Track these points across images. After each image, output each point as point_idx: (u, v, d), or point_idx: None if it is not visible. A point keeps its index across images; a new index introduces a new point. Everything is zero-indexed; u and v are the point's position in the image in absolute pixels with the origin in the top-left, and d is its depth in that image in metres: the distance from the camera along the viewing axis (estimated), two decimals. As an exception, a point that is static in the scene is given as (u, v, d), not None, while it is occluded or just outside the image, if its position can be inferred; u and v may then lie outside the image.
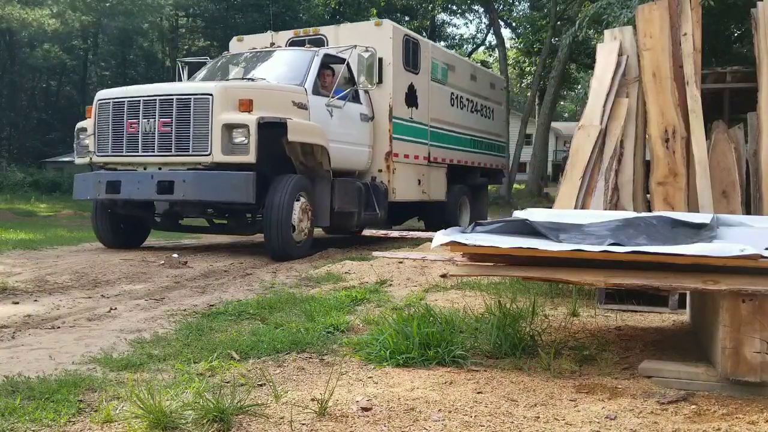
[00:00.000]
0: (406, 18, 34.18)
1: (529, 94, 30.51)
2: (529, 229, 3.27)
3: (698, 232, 3.31)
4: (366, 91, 9.45)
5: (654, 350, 3.51)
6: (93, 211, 8.57)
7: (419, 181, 10.72)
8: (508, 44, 32.29)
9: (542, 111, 25.23)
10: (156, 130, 7.52)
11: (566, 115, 54.85)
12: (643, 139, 5.95)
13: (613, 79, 6.01)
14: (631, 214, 4.02)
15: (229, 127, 7.24)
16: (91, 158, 8.10)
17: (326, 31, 10.34)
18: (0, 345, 3.70)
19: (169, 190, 7.31)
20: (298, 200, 7.72)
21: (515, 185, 25.85)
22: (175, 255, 7.29)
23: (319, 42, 9.84)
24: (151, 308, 4.85)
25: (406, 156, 10.21)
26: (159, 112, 7.52)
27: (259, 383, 2.91)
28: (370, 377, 3.02)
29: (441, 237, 3.18)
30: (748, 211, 5.74)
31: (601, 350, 3.45)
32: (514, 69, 34.20)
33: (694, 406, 2.63)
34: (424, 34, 29.33)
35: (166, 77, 28.63)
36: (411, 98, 10.40)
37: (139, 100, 7.68)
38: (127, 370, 3.14)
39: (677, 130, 5.69)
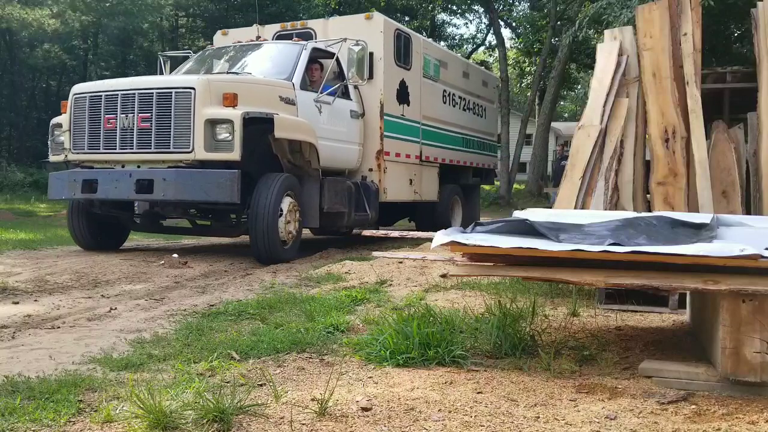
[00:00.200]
0: (406, 18, 34.17)
1: (529, 94, 30.52)
2: (529, 229, 3.27)
3: (698, 232, 3.31)
4: (356, 87, 9.12)
5: (654, 350, 3.51)
6: (69, 212, 8.21)
7: (411, 180, 10.43)
8: (508, 44, 32.30)
9: (542, 111, 25.23)
10: (135, 125, 7.15)
11: (566, 115, 54.84)
12: (643, 139, 5.95)
13: (613, 79, 6.01)
14: (631, 214, 4.02)
15: (212, 123, 6.89)
16: (66, 156, 7.73)
17: (314, 24, 9.98)
18: (0, 345, 3.70)
19: (149, 189, 6.96)
20: (285, 200, 7.42)
21: (515, 185, 25.83)
22: (175, 255, 7.29)
23: (307, 36, 9.45)
24: (151, 308, 4.85)
25: (398, 155, 9.92)
26: (138, 107, 7.15)
27: (259, 383, 2.91)
28: (370, 377, 3.02)
29: (441, 237, 3.18)
30: (748, 211, 5.74)
31: (601, 350, 3.45)
32: (514, 69, 34.18)
33: (694, 406, 2.63)
34: (425, 34, 29.33)
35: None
36: (402, 95, 10.08)
37: (117, 94, 7.30)
38: (127, 370, 3.15)
39: (677, 130, 5.69)
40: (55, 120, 8.02)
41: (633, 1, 9.30)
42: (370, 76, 9.14)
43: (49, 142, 8.15)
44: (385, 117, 9.47)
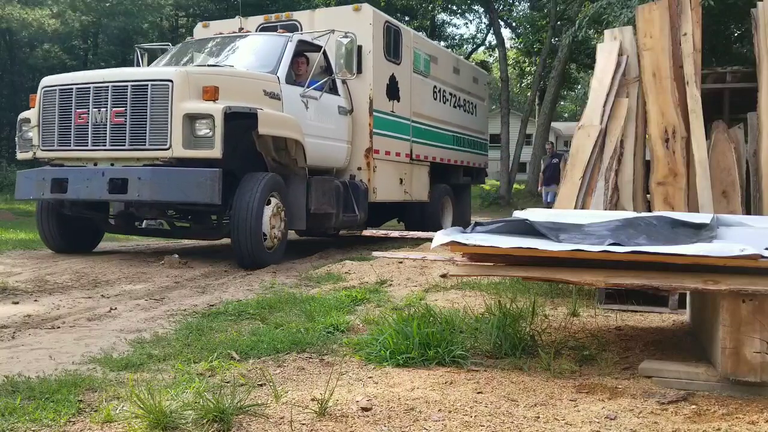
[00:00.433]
0: (406, 18, 34.17)
1: (529, 94, 30.51)
2: (529, 229, 3.28)
3: (698, 232, 3.31)
4: (344, 82, 8.71)
5: (654, 350, 3.51)
6: (38, 213, 7.68)
7: (401, 180, 10.00)
8: (508, 44, 32.29)
9: (542, 111, 25.22)
10: (108, 120, 6.70)
11: (566, 115, 54.84)
12: (643, 139, 5.95)
13: (613, 79, 6.02)
14: (631, 214, 4.02)
15: (191, 118, 6.46)
16: (34, 153, 7.26)
17: (300, 16, 9.48)
18: (0, 345, 3.70)
19: (123, 189, 6.51)
20: (269, 201, 6.98)
21: (515, 185, 25.82)
22: (175, 255, 7.28)
23: (292, 28, 8.94)
24: (151, 308, 4.85)
25: (387, 153, 9.51)
26: (111, 101, 6.70)
27: (259, 383, 2.91)
28: (370, 377, 3.02)
29: (441, 237, 3.19)
30: (748, 211, 5.74)
31: (601, 350, 3.45)
32: (514, 69, 34.18)
33: (694, 406, 2.63)
34: (425, 33, 29.32)
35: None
36: (392, 90, 9.66)
37: (89, 87, 6.84)
38: (127, 370, 3.15)
39: (677, 130, 5.69)
40: (22, 115, 7.56)
41: (633, 1, 9.29)
42: (359, 71, 8.70)
43: (16, 139, 7.72)
44: (374, 113, 9.10)
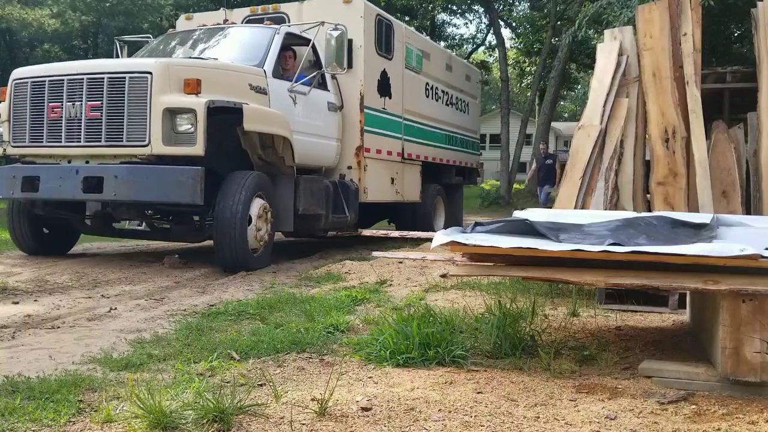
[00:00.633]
0: (407, 18, 34.17)
1: (529, 94, 30.51)
2: (529, 229, 3.28)
3: (698, 232, 3.31)
4: (334, 77, 8.35)
5: (654, 350, 3.51)
6: (8, 213, 7.29)
7: (392, 179, 9.63)
8: (508, 44, 32.27)
9: (542, 111, 25.21)
10: (83, 115, 6.32)
11: (566, 115, 54.84)
12: (643, 139, 5.96)
13: (613, 79, 6.02)
14: (631, 214, 4.02)
15: (171, 113, 6.10)
16: (4, 149, 6.89)
17: (288, 8, 9.04)
18: (0, 345, 3.70)
19: (98, 188, 6.13)
20: (255, 201, 6.63)
21: (515, 185, 25.82)
22: (176, 255, 7.28)
23: (279, 20, 8.54)
24: (151, 308, 4.85)
25: (379, 151, 9.16)
26: (87, 94, 6.32)
27: (259, 383, 2.91)
28: (370, 377, 3.02)
29: (441, 237, 3.19)
30: (748, 211, 5.75)
31: (601, 350, 3.45)
32: (514, 69, 34.17)
33: (694, 406, 2.63)
34: (425, 33, 29.32)
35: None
36: (384, 86, 9.30)
37: (63, 80, 6.47)
38: (127, 370, 3.14)
39: (677, 130, 5.69)
40: None
41: (633, 1, 9.29)
42: (350, 66, 8.33)
43: None
44: (365, 110, 8.76)
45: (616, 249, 2.91)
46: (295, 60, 7.94)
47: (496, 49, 30.28)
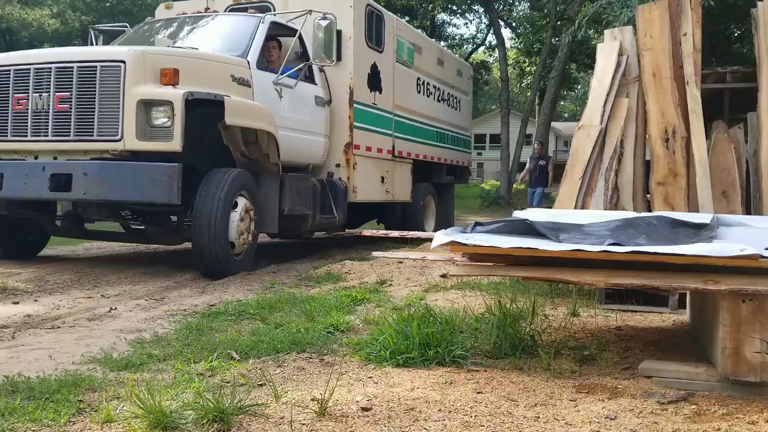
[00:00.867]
0: (406, 18, 34.18)
1: (529, 94, 30.52)
2: (529, 229, 3.28)
3: (698, 232, 3.31)
4: (322, 70, 7.95)
5: (654, 350, 3.51)
6: None
7: (383, 178, 9.23)
8: (508, 44, 32.27)
9: (542, 111, 25.21)
10: (51, 107, 5.89)
11: (566, 115, 54.85)
12: (643, 139, 5.96)
13: (613, 79, 6.02)
14: (631, 214, 4.02)
15: (146, 105, 5.70)
16: None
17: None
18: (0, 345, 3.70)
19: (66, 186, 5.66)
20: (237, 201, 6.24)
21: (515, 185, 25.83)
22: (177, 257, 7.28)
23: (264, 9, 8.04)
24: (151, 308, 4.85)
25: (368, 148, 8.74)
26: (55, 85, 5.89)
27: (259, 383, 2.91)
28: (370, 377, 3.02)
29: (441, 237, 3.19)
30: (748, 211, 5.75)
31: (601, 350, 3.45)
32: (514, 69, 34.19)
33: (694, 406, 2.63)
34: (425, 33, 29.32)
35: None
36: (374, 81, 8.90)
37: (29, 69, 6.00)
38: (127, 370, 3.14)
39: (677, 130, 5.69)
40: None
41: (633, 1, 9.30)
42: (338, 58, 7.83)
43: None
44: (354, 105, 8.36)
45: (616, 249, 2.91)
46: (280, 51, 7.52)
47: (496, 49, 30.29)
